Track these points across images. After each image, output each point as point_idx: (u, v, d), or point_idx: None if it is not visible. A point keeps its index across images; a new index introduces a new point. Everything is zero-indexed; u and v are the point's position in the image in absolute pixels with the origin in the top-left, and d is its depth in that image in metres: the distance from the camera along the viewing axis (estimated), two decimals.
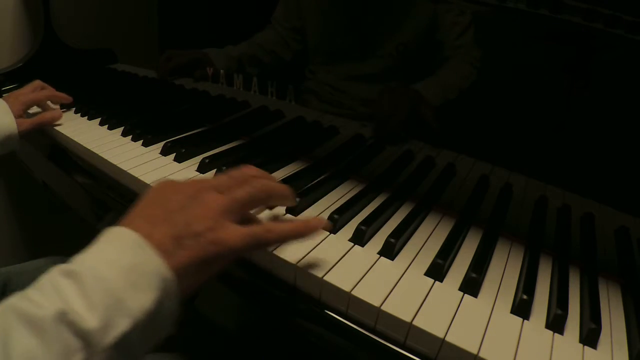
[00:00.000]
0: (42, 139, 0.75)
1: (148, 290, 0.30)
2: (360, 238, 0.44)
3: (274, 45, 0.64)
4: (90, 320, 0.27)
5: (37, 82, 0.79)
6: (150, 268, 0.30)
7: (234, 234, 0.34)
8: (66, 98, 0.80)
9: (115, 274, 0.29)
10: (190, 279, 0.33)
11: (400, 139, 0.59)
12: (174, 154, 0.60)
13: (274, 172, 0.58)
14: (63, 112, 0.79)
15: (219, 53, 0.71)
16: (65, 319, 0.26)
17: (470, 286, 0.39)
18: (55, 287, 0.28)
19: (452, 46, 0.50)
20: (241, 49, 0.68)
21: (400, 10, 0.53)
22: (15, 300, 0.27)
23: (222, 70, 0.70)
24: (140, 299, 0.29)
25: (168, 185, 0.37)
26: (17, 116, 0.70)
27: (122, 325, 0.28)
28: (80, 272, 0.29)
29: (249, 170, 0.42)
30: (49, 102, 0.80)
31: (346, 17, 0.57)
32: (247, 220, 0.39)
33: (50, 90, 0.78)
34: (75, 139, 0.66)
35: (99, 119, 0.74)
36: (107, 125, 0.71)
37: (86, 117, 0.76)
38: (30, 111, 0.77)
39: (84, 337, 0.27)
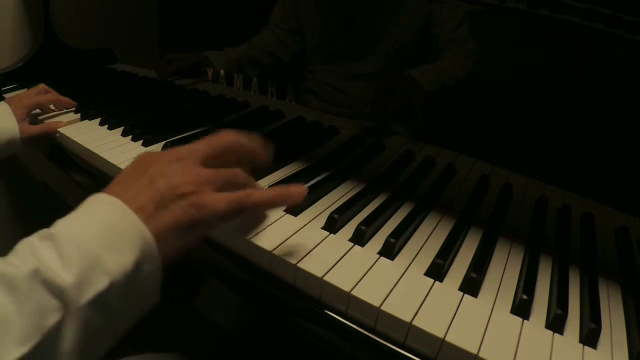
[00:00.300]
0: (42, 139, 0.75)
1: (126, 250, 0.29)
2: (360, 238, 0.44)
3: (272, 46, 0.64)
4: (65, 277, 0.26)
5: (42, 86, 0.78)
6: (128, 228, 0.30)
7: (217, 198, 0.34)
8: (70, 103, 0.79)
9: (92, 233, 0.29)
10: (172, 243, 0.32)
11: (395, 129, 0.58)
12: None
13: (274, 172, 0.58)
14: (62, 110, 0.80)
15: (218, 55, 0.71)
16: (39, 277, 0.26)
17: (470, 286, 0.39)
18: (31, 248, 0.28)
19: (447, 39, 0.50)
20: (240, 51, 0.68)
21: (395, 8, 0.53)
22: None
23: (222, 71, 0.70)
24: (118, 258, 0.29)
25: (149, 156, 0.37)
26: (20, 119, 0.69)
27: (98, 283, 0.28)
28: (57, 233, 0.29)
29: (228, 137, 0.39)
30: (51, 106, 0.79)
31: (343, 16, 0.57)
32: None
33: (54, 94, 0.78)
34: (75, 139, 0.66)
35: (98, 119, 0.74)
36: (107, 125, 0.71)
37: (86, 117, 0.76)
38: (33, 113, 0.77)
39: (59, 294, 0.26)
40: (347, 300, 0.37)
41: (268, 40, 0.64)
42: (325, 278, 0.38)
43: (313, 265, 0.40)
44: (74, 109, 0.80)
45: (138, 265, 0.30)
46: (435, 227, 0.49)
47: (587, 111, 0.45)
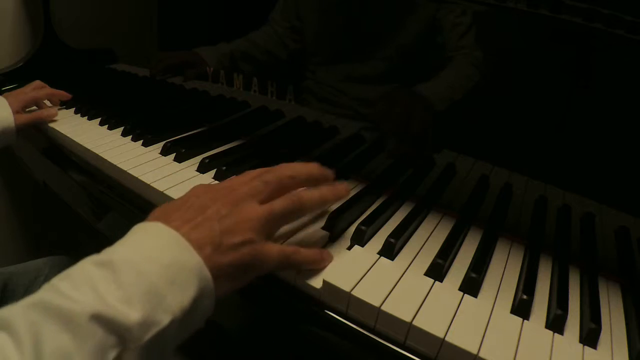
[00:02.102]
0: (42, 139, 0.75)
1: (187, 288, 0.29)
2: (360, 238, 0.44)
3: (270, 44, 0.64)
4: (130, 315, 0.26)
5: (37, 82, 0.80)
6: (190, 266, 0.30)
7: (270, 249, 0.35)
8: (65, 95, 0.81)
9: (155, 268, 0.28)
10: (224, 284, 0.33)
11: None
12: (174, 154, 0.60)
13: None
14: (62, 110, 0.80)
15: (210, 51, 0.71)
16: (102, 318, 0.25)
17: (470, 286, 0.39)
18: (88, 279, 0.26)
19: (454, 47, 0.50)
20: (233, 46, 0.68)
21: (399, 12, 0.53)
22: (45, 293, 0.26)
23: (222, 71, 0.70)
24: (180, 296, 0.28)
25: (204, 190, 0.37)
26: (15, 112, 0.71)
27: (162, 321, 0.27)
28: (116, 262, 0.27)
29: (285, 171, 0.39)
30: (46, 102, 0.81)
31: (345, 18, 0.57)
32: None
33: (48, 89, 0.80)
34: (75, 139, 0.66)
35: (99, 119, 0.74)
36: (107, 125, 0.71)
37: (86, 117, 0.76)
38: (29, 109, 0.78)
39: (121, 333, 0.25)
40: (347, 300, 0.37)
41: (266, 38, 0.64)
42: (325, 278, 0.38)
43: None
44: (74, 108, 0.80)
45: (195, 303, 0.30)
46: (435, 227, 0.49)
47: (587, 111, 0.45)
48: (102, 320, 0.25)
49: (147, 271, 0.28)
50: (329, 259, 0.40)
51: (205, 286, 0.31)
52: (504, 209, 0.51)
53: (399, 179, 0.57)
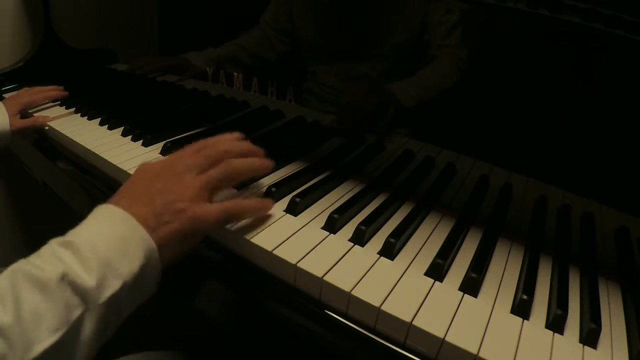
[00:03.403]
0: (42, 139, 0.75)
1: (135, 258, 0.35)
2: (360, 238, 0.44)
3: (257, 46, 0.65)
4: (88, 280, 0.32)
5: (36, 88, 0.82)
6: (136, 239, 0.36)
7: (208, 211, 0.40)
8: (60, 93, 0.82)
9: (107, 243, 0.34)
10: (170, 250, 0.38)
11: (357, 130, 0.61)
12: None
13: (273, 172, 0.58)
14: (62, 110, 0.80)
15: (198, 56, 0.71)
16: (66, 280, 0.31)
17: (470, 286, 0.39)
18: (54, 254, 0.33)
19: (438, 45, 0.51)
20: (220, 51, 0.68)
21: (393, 11, 0.53)
22: (22, 264, 0.32)
23: (222, 71, 0.70)
24: (129, 265, 0.34)
25: (149, 169, 0.42)
26: (12, 115, 0.73)
27: (114, 285, 0.33)
28: (77, 242, 0.33)
29: (223, 144, 0.45)
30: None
31: (340, 18, 0.57)
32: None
33: (45, 92, 0.81)
34: (75, 139, 0.66)
35: (99, 119, 0.74)
36: (107, 125, 0.71)
37: (86, 117, 0.76)
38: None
39: (82, 294, 0.31)
40: (347, 300, 0.37)
41: (254, 40, 0.65)
42: (325, 278, 0.38)
43: (313, 265, 0.40)
44: (73, 108, 0.80)
45: (143, 269, 0.35)
46: (435, 227, 0.49)
47: (587, 111, 0.45)
48: (68, 283, 0.31)
49: (101, 247, 0.34)
50: (270, 206, 0.46)
51: (151, 255, 0.36)
52: (504, 209, 0.51)
53: (399, 178, 0.57)
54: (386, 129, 0.57)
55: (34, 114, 0.79)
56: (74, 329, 0.31)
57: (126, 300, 0.35)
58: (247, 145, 0.47)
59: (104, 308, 0.33)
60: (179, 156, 0.44)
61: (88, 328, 0.32)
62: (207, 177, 0.42)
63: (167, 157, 0.45)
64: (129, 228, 0.36)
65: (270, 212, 0.47)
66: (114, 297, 0.33)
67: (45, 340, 0.29)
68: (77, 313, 0.31)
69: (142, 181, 0.41)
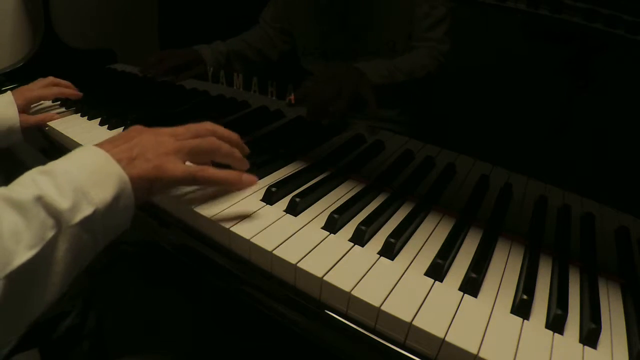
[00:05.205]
0: (42, 139, 0.75)
1: (108, 187, 0.38)
2: (360, 238, 0.44)
3: (261, 44, 0.65)
4: (61, 203, 0.34)
5: (50, 79, 0.79)
6: (110, 171, 0.39)
7: (175, 166, 0.43)
8: (74, 93, 0.80)
9: (82, 173, 0.37)
10: (139, 190, 0.41)
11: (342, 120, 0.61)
12: None
13: (274, 172, 0.58)
14: (62, 110, 0.80)
15: (208, 49, 0.71)
16: (42, 201, 0.34)
17: (470, 286, 0.39)
18: (32, 180, 0.35)
19: (420, 37, 0.51)
20: (229, 45, 0.68)
21: (386, 6, 0.53)
22: (2, 189, 0.34)
23: (222, 71, 0.70)
24: (101, 193, 0.37)
25: (139, 127, 0.46)
26: (21, 110, 0.70)
27: (86, 210, 0.36)
28: (54, 170, 0.36)
29: (207, 125, 0.48)
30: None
31: (334, 16, 0.57)
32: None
33: (56, 89, 0.79)
34: (75, 139, 0.66)
35: (99, 119, 0.74)
36: (107, 125, 0.71)
37: (86, 117, 0.76)
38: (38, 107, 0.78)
39: (56, 216, 0.34)
40: (347, 300, 0.37)
41: (257, 38, 0.65)
42: (325, 278, 0.38)
43: (313, 265, 0.40)
44: (73, 108, 0.80)
45: (116, 200, 0.38)
46: (435, 227, 0.49)
47: (587, 111, 0.45)
48: (42, 204, 0.34)
49: (77, 176, 0.37)
50: (249, 182, 0.46)
51: (125, 188, 0.39)
52: (504, 209, 0.51)
53: (399, 178, 0.57)
54: (374, 111, 0.57)
55: (39, 112, 0.77)
56: (49, 247, 0.34)
57: (100, 226, 0.37)
58: (233, 134, 0.50)
59: (77, 229, 0.35)
60: (169, 128, 0.47)
61: (62, 247, 0.35)
62: (185, 143, 0.45)
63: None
64: (104, 162, 0.39)
65: (270, 212, 0.48)
66: (87, 220, 0.36)
67: (23, 256, 0.32)
68: (51, 233, 0.34)
69: (129, 133, 0.45)
